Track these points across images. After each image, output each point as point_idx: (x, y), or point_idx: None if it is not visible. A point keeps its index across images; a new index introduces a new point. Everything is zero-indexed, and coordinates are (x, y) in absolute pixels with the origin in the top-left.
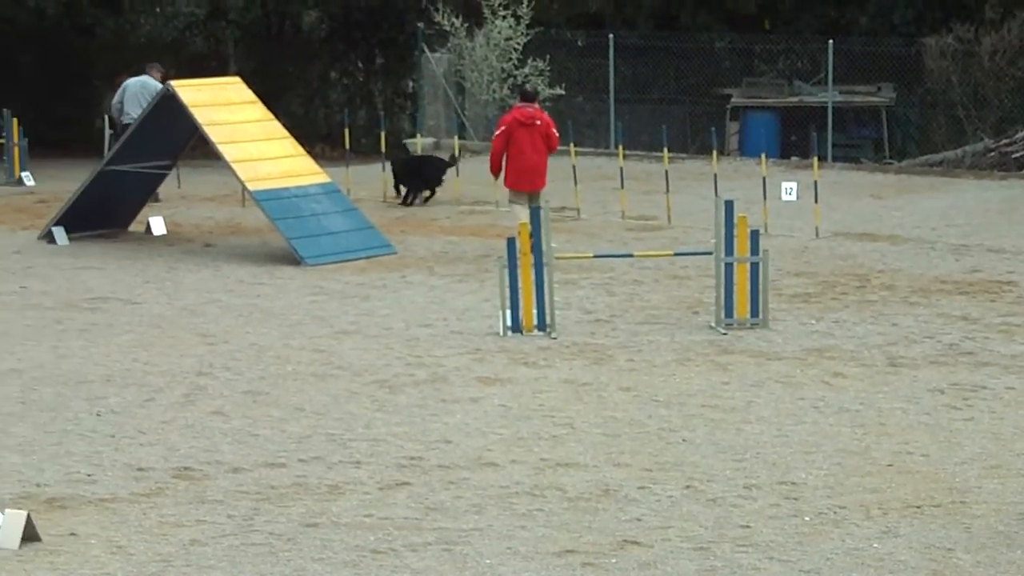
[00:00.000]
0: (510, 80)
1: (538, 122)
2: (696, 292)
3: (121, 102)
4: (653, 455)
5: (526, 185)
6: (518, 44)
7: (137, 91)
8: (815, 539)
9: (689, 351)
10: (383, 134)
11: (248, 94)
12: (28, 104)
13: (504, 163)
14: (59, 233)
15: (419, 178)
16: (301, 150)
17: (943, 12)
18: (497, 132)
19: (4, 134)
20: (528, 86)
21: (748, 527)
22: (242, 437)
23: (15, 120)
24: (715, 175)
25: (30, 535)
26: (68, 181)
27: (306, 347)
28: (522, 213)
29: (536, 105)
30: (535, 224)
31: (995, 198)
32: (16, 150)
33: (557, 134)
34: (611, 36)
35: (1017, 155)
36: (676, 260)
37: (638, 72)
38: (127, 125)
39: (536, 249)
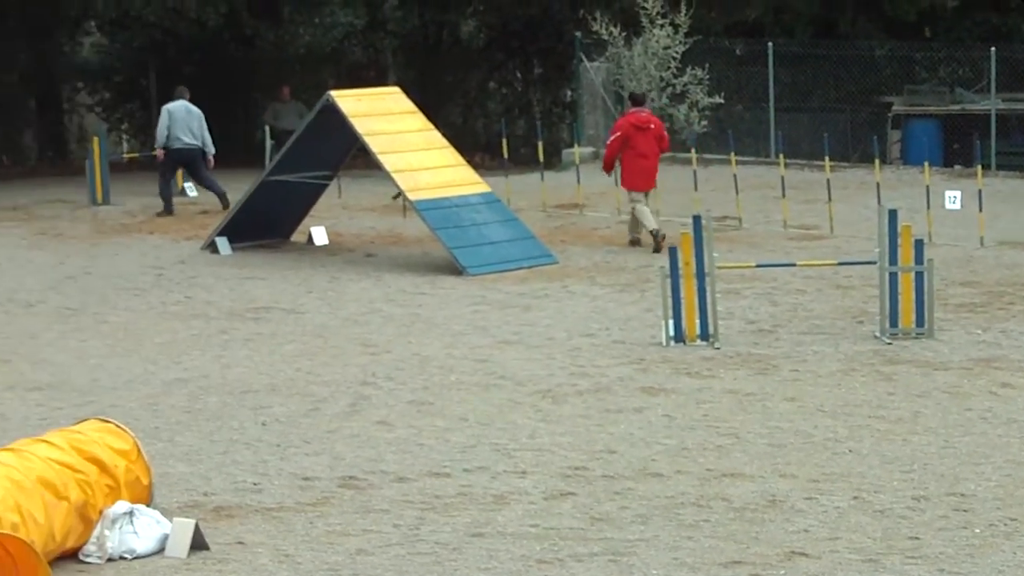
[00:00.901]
0: (668, 89)
1: (652, 125)
2: (860, 302)
3: (168, 128)
4: (819, 466)
5: (645, 185)
6: (676, 53)
7: (183, 116)
8: (986, 551)
9: (854, 361)
10: (541, 144)
11: (407, 104)
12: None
13: (620, 165)
14: (222, 243)
15: None
16: (461, 160)
17: None
18: (613, 136)
19: None
20: (637, 90)
21: (917, 539)
22: (407, 447)
23: None
24: (877, 184)
25: (198, 544)
26: (231, 192)
27: (469, 357)
28: (646, 212)
29: (647, 109)
30: (697, 234)
31: None
32: None
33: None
34: (770, 44)
35: None
36: (840, 270)
37: (797, 80)
38: (179, 150)
39: (698, 259)
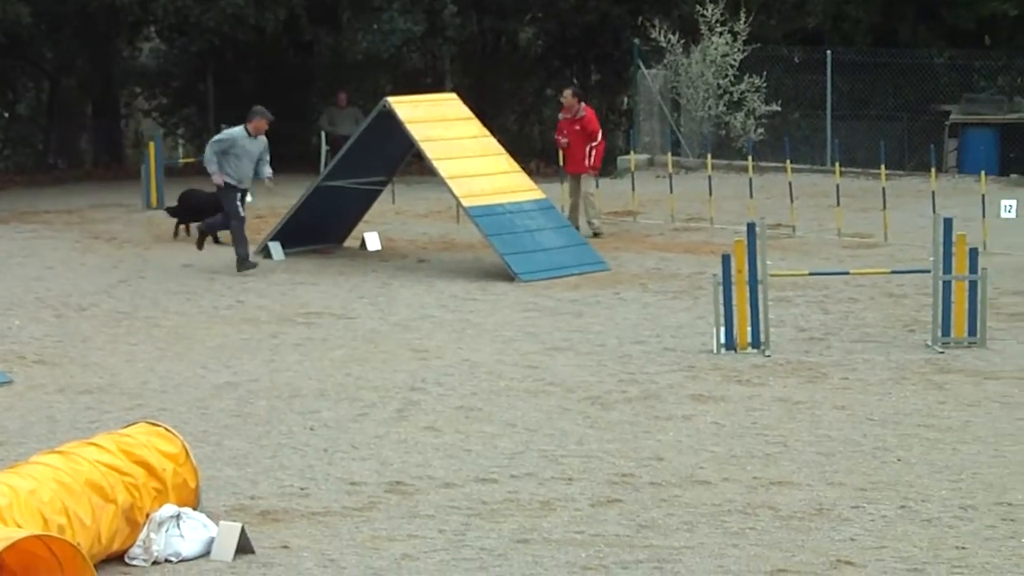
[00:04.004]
0: (726, 97)
1: None
2: (912, 310)
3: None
4: (867, 474)
5: None
6: (734, 60)
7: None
8: None
9: (905, 370)
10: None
11: (464, 110)
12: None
13: (592, 154)
14: (275, 248)
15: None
16: (516, 166)
17: None
18: (602, 132)
19: None
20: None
21: (964, 548)
22: (454, 452)
23: None
24: (933, 192)
25: (244, 547)
26: (285, 197)
27: (519, 363)
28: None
29: None
30: (750, 241)
31: None
32: None
33: None
34: (828, 52)
35: None
36: (892, 278)
37: (855, 88)
38: None
39: (751, 266)
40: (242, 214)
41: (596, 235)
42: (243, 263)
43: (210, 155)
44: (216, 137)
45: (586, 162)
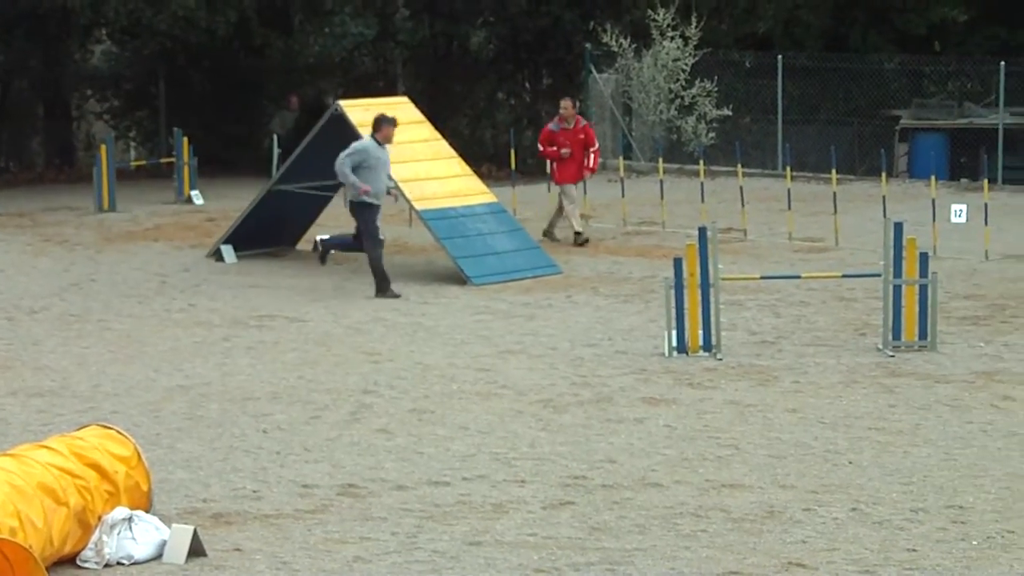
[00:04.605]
0: (677, 101)
1: None
2: (863, 314)
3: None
4: (819, 477)
5: None
6: (686, 65)
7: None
8: (983, 564)
9: (856, 373)
10: None
11: (416, 114)
12: (198, 123)
13: (591, 158)
14: (227, 251)
15: None
16: (468, 170)
17: None
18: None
19: (174, 153)
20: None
21: (915, 551)
22: (407, 455)
23: (185, 139)
24: (883, 197)
25: (196, 550)
26: (236, 200)
27: (471, 366)
28: None
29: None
30: (702, 245)
31: None
32: (186, 169)
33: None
34: (779, 57)
35: None
36: (843, 282)
37: (806, 93)
38: None
39: (703, 270)
40: (381, 236)
41: (549, 238)
42: (384, 292)
43: (345, 169)
44: (348, 150)
45: (585, 168)
